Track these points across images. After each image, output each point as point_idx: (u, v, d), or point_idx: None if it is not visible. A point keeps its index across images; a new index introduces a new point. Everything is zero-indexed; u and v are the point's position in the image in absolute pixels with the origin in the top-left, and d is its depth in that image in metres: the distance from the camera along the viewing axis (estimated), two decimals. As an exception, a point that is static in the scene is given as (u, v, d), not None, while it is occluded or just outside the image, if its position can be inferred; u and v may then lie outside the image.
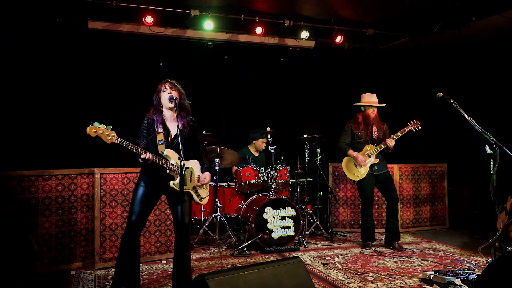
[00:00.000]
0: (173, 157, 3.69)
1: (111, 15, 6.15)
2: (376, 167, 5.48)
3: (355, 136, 5.58)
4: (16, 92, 5.83)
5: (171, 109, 3.75)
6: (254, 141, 6.47)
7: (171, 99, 3.60)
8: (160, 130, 3.70)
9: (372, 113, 5.56)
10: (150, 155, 3.48)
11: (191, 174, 3.82)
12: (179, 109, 3.74)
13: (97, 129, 3.27)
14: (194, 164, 3.88)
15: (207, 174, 3.92)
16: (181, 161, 3.27)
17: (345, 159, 5.59)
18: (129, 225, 3.72)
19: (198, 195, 3.88)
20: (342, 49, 7.68)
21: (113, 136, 3.33)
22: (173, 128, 3.77)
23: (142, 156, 3.45)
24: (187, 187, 3.74)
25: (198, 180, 3.87)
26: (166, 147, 3.69)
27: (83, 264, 4.65)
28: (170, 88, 3.72)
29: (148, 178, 3.73)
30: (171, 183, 3.63)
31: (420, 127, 5.42)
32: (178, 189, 3.55)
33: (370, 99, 5.58)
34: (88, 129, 3.25)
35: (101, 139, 3.30)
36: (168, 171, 3.63)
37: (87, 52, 6.29)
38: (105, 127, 3.32)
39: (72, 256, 4.58)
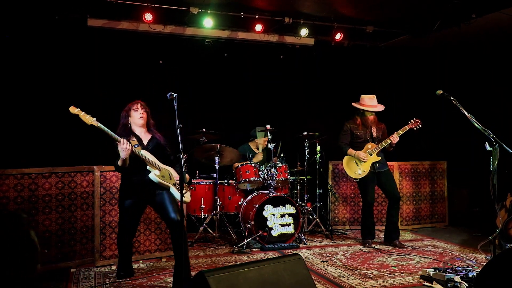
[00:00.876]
0: (149, 156, 3.90)
1: (110, 12, 6.14)
2: (377, 164, 5.48)
3: (355, 136, 5.57)
4: (16, 90, 5.82)
5: (142, 126, 4.03)
6: (256, 139, 6.47)
7: (170, 95, 3.61)
8: (133, 138, 3.91)
9: (371, 115, 5.55)
10: (125, 141, 3.69)
11: (170, 173, 3.99)
12: (148, 125, 4.08)
13: (78, 110, 3.66)
14: (171, 169, 4.06)
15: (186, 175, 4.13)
16: (179, 156, 3.36)
17: (345, 158, 5.57)
18: (120, 232, 4.14)
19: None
20: (342, 46, 7.67)
21: (94, 120, 3.66)
22: (145, 139, 4.04)
23: (121, 144, 3.66)
24: (169, 181, 3.93)
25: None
26: (143, 149, 3.92)
27: (83, 262, 4.64)
28: (142, 108, 4.01)
29: (129, 193, 3.95)
30: (152, 174, 3.82)
31: (420, 126, 5.42)
32: (160, 179, 3.84)
33: (369, 102, 5.52)
34: (70, 108, 3.66)
35: (80, 119, 3.65)
36: (147, 166, 3.84)
37: (87, 50, 6.28)
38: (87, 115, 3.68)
39: (72, 253, 4.58)
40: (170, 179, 3.95)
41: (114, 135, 3.71)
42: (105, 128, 3.68)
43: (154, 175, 3.82)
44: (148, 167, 3.84)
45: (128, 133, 3.94)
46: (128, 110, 4.03)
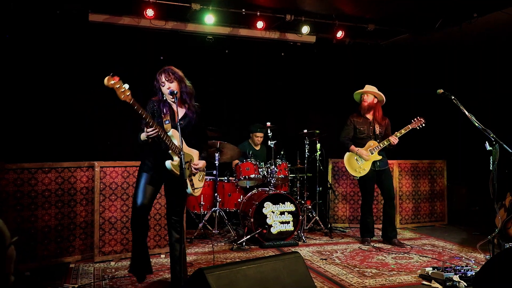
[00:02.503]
0: (176, 138, 3.52)
1: (111, 7, 6.14)
2: (378, 163, 5.47)
3: (357, 131, 5.55)
4: (16, 86, 5.81)
5: (173, 100, 3.61)
6: (251, 134, 6.49)
7: (172, 93, 3.49)
8: (166, 111, 3.58)
9: (365, 102, 5.50)
10: (155, 127, 3.31)
11: (191, 159, 3.69)
12: (181, 95, 3.63)
13: (115, 81, 3.06)
14: (194, 154, 3.76)
15: (201, 161, 3.77)
16: (181, 155, 3.20)
17: (347, 155, 5.57)
18: (135, 209, 3.57)
19: (192, 185, 3.72)
20: (343, 44, 7.67)
21: (128, 95, 3.14)
22: (180, 111, 3.67)
23: (149, 130, 3.31)
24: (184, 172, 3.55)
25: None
26: (172, 127, 3.54)
27: (82, 257, 4.65)
28: (167, 81, 3.56)
29: (150, 164, 3.61)
30: (168, 162, 3.47)
31: (424, 125, 5.37)
32: (175, 170, 3.47)
33: (367, 88, 5.54)
34: (106, 79, 3.03)
35: (115, 92, 3.09)
36: (169, 150, 3.49)
37: (88, 45, 6.26)
38: (123, 84, 3.13)
39: (71, 249, 4.59)
40: (188, 169, 3.62)
41: (146, 116, 3.25)
42: (138, 106, 3.18)
43: (169, 164, 3.48)
44: (169, 151, 3.50)
45: (162, 105, 3.57)
46: (157, 82, 3.60)
